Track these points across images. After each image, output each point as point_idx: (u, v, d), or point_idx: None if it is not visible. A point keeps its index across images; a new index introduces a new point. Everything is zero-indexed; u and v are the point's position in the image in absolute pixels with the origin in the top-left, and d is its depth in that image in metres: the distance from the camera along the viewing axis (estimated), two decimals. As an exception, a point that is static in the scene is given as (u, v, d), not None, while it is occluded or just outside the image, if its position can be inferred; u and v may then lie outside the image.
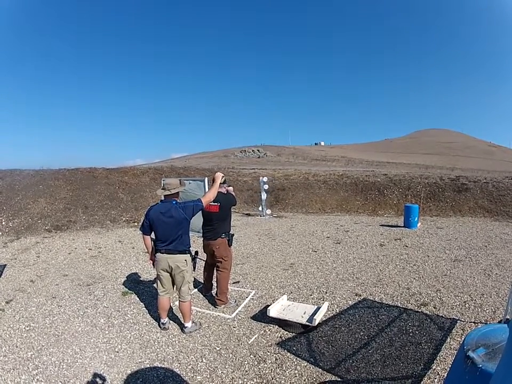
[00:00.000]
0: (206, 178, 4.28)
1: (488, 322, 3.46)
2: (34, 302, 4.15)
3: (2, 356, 2.94)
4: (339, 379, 2.62)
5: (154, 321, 3.62)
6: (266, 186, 11.34)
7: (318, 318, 3.34)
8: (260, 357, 2.95)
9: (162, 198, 3.29)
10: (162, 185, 3.35)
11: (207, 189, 4.10)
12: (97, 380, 2.62)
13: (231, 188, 4.15)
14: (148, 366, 2.83)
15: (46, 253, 6.55)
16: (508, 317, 3.14)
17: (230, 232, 3.99)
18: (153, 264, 3.41)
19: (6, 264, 5.66)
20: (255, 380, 2.64)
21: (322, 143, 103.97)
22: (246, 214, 11.85)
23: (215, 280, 4.07)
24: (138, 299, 4.24)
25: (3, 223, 8.41)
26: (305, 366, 2.81)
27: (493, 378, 1.10)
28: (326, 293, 4.41)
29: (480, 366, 1.45)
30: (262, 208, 11.47)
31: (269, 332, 3.40)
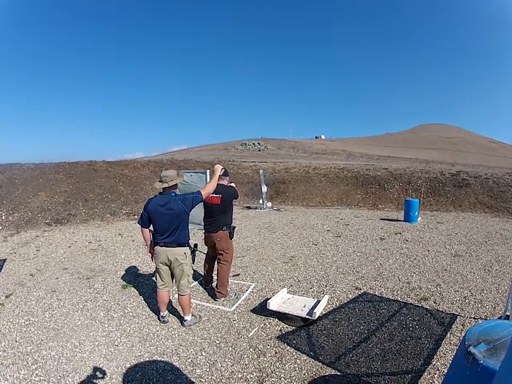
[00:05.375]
0: (208, 171, 4.25)
1: (488, 318, 3.46)
2: (34, 296, 4.14)
3: (1, 351, 2.93)
4: (339, 373, 2.62)
5: (153, 314, 3.61)
6: (263, 178, 11.34)
7: (318, 312, 3.33)
8: (259, 350, 2.95)
9: (161, 191, 3.25)
10: (160, 178, 3.27)
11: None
12: (97, 373, 2.61)
13: (233, 184, 4.13)
14: (147, 359, 2.83)
15: (45, 247, 6.54)
16: (508, 313, 3.13)
17: (232, 224, 3.97)
18: (152, 258, 3.39)
19: (6, 259, 5.64)
20: (254, 374, 2.64)
21: (323, 137, 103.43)
22: (246, 207, 11.84)
23: (216, 273, 4.06)
24: (137, 292, 4.24)
25: (3, 217, 8.39)
26: (305, 359, 2.81)
27: (497, 375, 1.08)
28: (326, 286, 4.41)
29: (481, 362, 1.44)
30: (263, 201, 11.47)
31: (268, 325, 3.40)
